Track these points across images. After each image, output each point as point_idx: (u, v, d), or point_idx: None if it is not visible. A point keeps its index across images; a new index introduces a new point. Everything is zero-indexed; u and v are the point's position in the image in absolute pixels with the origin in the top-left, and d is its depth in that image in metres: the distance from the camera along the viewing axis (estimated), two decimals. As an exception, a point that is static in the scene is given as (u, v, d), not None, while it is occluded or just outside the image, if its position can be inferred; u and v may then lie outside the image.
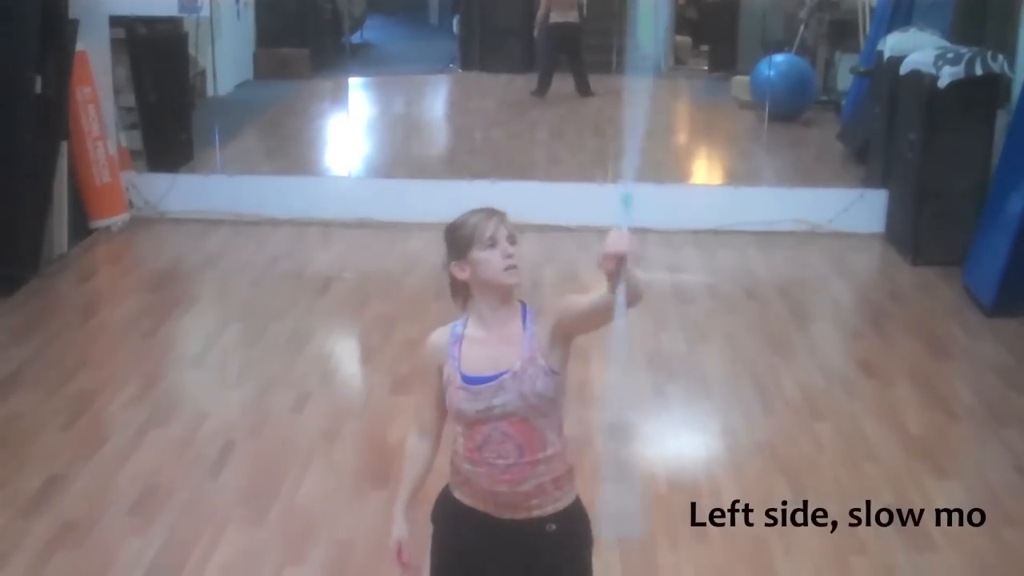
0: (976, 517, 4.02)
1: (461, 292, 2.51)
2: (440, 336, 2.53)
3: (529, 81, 11.44)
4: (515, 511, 2.47)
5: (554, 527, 2.49)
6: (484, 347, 2.45)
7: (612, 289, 2.25)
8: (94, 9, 7.04)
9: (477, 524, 2.50)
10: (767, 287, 6.51)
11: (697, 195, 7.89)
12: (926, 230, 6.77)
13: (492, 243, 2.42)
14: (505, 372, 2.42)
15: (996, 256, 6.01)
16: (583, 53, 11.08)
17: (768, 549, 3.82)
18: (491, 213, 2.47)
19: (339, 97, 10.91)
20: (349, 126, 9.82)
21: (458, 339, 2.49)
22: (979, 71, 6.50)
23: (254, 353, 5.49)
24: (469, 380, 2.44)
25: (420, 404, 2.60)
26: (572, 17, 11.00)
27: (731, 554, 3.81)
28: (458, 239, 2.47)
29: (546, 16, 11.09)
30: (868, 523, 3.97)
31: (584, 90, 11.03)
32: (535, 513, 2.47)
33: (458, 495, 2.53)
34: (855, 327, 6.13)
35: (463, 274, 2.46)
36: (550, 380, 2.43)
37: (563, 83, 11.17)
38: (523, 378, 2.42)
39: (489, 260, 2.42)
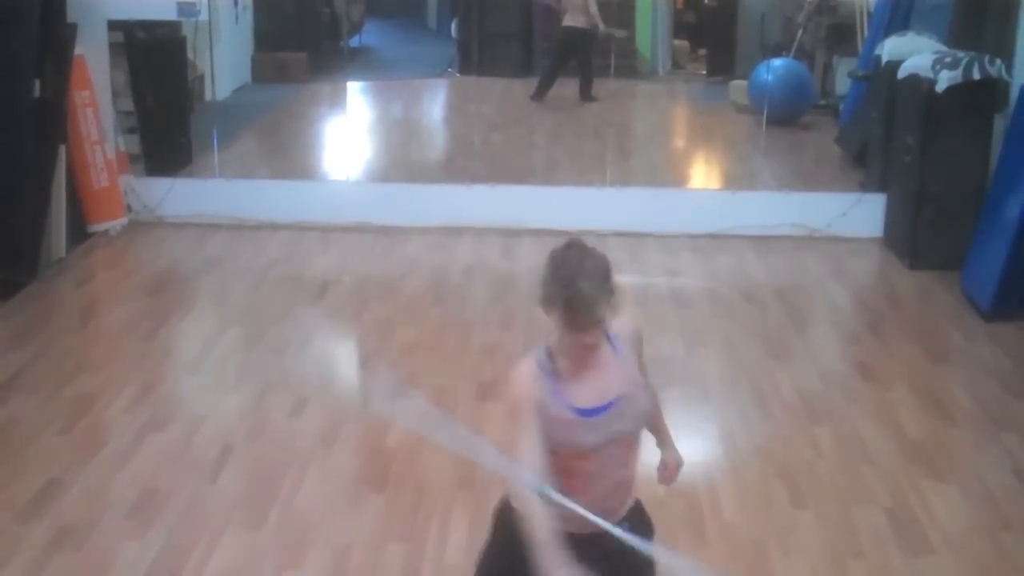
0: (974, 521, 4.03)
1: None
2: (530, 370, 2.43)
3: (528, 86, 11.43)
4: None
5: (628, 525, 2.52)
6: (584, 378, 2.42)
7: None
8: (93, 13, 7.04)
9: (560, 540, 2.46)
10: (765, 291, 6.51)
11: (695, 199, 7.88)
12: (924, 234, 6.77)
13: (571, 328, 2.34)
14: (618, 398, 2.43)
15: (994, 260, 6.01)
16: (590, 59, 11.04)
17: (766, 553, 3.82)
18: (591, 289, 2.31)
19: (337, 101, 10.93)
20: (348, 130, 9.83)
21: (550, 373, 2.43)
22: (977, 75, 6.51)
23: (252, 357, 5.48)
24: (585, 413, 2.41)
25: (529, 452, 2.37)
26: (580, 22, 10.96)
27: (729, 558, 3.81)
28: (549, 294, 2.36)
29: (560, 19, 11.10)
30: (866, 527, 3.98)
31: (585, 95, 11.02)
32: (612, 520, 2.49)
33: None
34: (853, 331, 6.13)
35: (547, 317, 2.40)
36: (649, 395, 2.51)
37: (562, 87, 11.17)
38: (634, 400, 2.46)
39: (567, 336, 2.37)
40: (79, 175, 6.98)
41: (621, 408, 2.44)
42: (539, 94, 11.15)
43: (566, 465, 2.43)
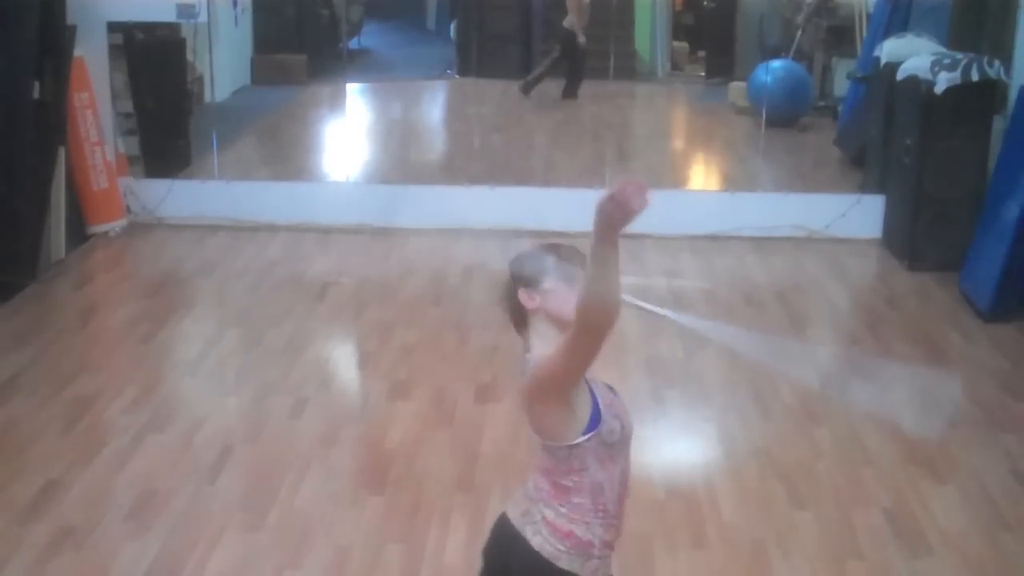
0: (973, 522, 4.03)
1: (524, 321, 2.47)
2: None
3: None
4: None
5: None
6: None
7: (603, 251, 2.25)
8: (92, 15, 7.04)
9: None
10: (765, 292, 6.51)
11: (694, 201, 7.88)
12: (923, 235, 6.78)
13: (570, 279, 2.39)
14: (610, 386, 2.48)
15: (993, 261, 6.02)
16: (563, 60, 11.19)
17: (766, 554, 3.82)
18: (574, 254, 2.43)
19: (337, 103, 10.91)
20: (347, 132, 9.83)
21: None
22: (975, 77, 6.52)
23: (251, 358, 5.49)
24: (612, 392, 2.46)
25: None
26: (566, 22, 11.12)
27: (728, 559, 3.81)
28: (535, 268, 2.44)
29: None
30: (865, 528, 3.98)
31: (525, 87, 11.31)
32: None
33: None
34: (852, 332, 6.14)
35: (531, 303, 2.42)
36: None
37: (558, 88, 11.21)
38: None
39: (560, 292, 2.40)
40: (78, 177, 6.98)
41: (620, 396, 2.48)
42: (568, 92, 11.25)
43: (612, 476, 2.42)
